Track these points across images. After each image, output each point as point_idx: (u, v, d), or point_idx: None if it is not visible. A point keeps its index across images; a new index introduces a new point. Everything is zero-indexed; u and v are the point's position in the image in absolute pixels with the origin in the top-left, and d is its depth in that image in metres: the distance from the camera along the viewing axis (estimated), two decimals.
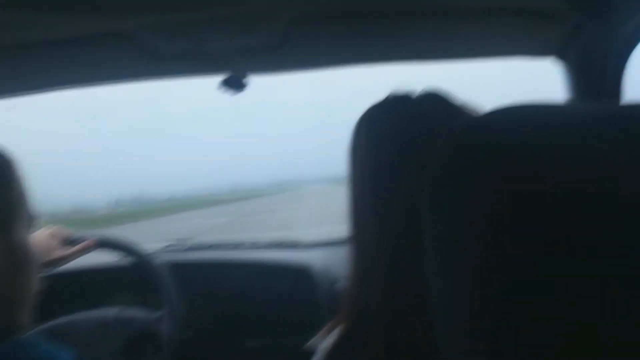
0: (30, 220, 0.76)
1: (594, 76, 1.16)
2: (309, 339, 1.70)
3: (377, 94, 0.80)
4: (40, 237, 1.28)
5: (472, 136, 0.37)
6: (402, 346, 0.65)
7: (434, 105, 0.76)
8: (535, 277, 0.32)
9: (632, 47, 1.10)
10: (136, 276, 1.51)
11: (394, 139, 0.73)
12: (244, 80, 1.16)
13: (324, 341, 0.77)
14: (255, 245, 2.09)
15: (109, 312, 1.43)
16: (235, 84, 1.15)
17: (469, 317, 0.36)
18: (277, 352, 1.73)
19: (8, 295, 0.71)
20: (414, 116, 0.75)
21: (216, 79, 1.15)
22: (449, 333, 0.39)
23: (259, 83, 1.19)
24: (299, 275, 1.74)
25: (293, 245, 2.10)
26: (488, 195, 0.34)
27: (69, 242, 1.34)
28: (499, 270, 0.33)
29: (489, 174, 0.35)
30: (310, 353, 0.78)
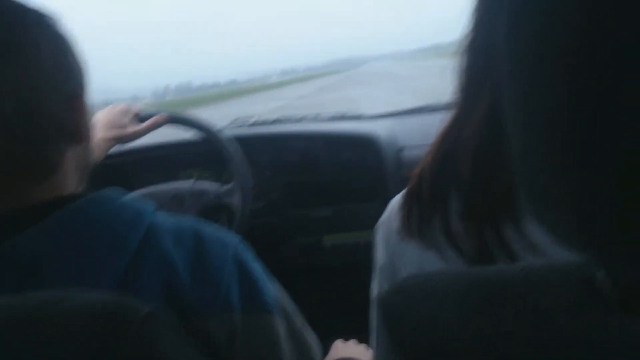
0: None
1: None
2: (377, 208, 1.74)
3: None
4: (111, 113, 1.32)
5: None
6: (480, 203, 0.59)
7: None
8: None
9: None
10: (206, 151, 1.54)
11: None
12: None
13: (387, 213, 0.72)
14: (318, 118, 2.09)
15: (183, 184, 1.49)
16: None
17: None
18: (346, 220, 1.77)
19: (88, 160, 0.74)
20: None
21: None
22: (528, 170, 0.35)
23: None
24: (364, 145, 1.73)
25: (356, 117, 2.08)
26: None
27: (139, 118, 1.37)
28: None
29: None
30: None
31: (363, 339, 1.05)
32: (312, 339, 0.81)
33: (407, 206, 0.66)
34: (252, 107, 24.16)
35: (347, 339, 1.17)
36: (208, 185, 1.51)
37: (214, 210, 1.49)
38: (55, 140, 0.66)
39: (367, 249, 1.78)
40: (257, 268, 0.74)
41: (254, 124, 2.09)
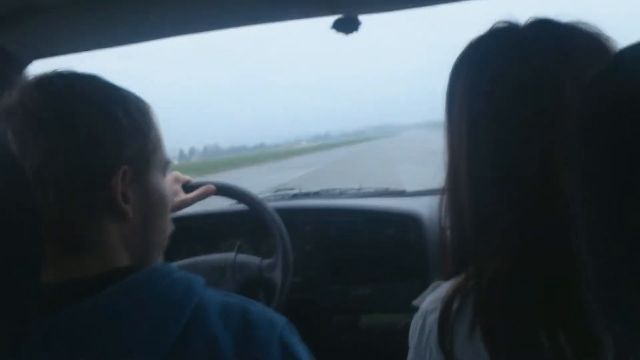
0: (165, 165, 0.78)
1: None
2: (418, 287, 1.68)
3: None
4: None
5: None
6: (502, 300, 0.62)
7: (543, 31, 0.66)
8: None
9: None
10: (250, 222, 1.54)
11: (495, 70, 0.65)
12: (358, 21, 1.11)
13: (427, 300, 0.73)
14: (361, 193, 2.08)
15: (225, 257, 1.48)
16: (348, 25, 1.10)
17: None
18: (386, 299, 1.72)
19: (145, 237, 0.74)
20: (519, 43, 0.65)
21: (326, 21, 1.12)
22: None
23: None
24: (407, 223, 1.70)
25: (399, 193, 2.06)
26: None
27: (188, 187, 1.39)
28: None
29: None
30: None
31: None
32: None
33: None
34: (283, 173, 23.59)
35: None
36: (250, 259, 1.50)
37: (255, 284, 1.46)
38: (100, 215, 0.67)
39: (406, 331, 1.72)
40: (302, 351, 0.72)
41: (296, 195, 2.09)
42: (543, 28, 0.66)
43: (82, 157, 0.65)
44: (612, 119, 0.33)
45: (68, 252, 0.66)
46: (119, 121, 0.69)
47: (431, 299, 0.71)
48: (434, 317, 0.67)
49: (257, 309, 0.73)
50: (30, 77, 0.69)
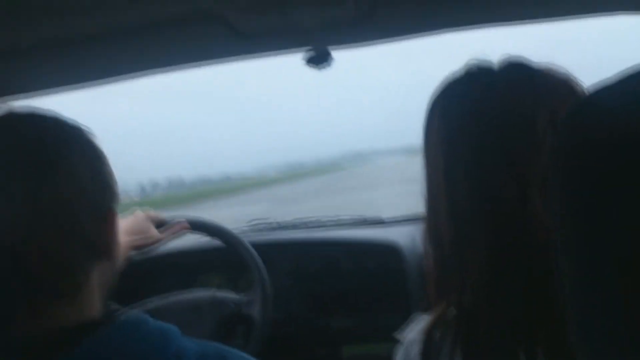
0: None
1: None
2: (399, 317, 1.67)
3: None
4: (135, 220, 1.32)
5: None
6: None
7: (516, 73, 0.69)
8: None
9: None
10: (226, 257, 1.52)
11: (471, 109, 0.67)
12: (330, 55, 1.12)
13: (409, 331, 0.74)
14: (339, 223, 2.07)
15: (202, 293, 1.45)
16: (321, 59, 1.11)
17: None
18: (368, 330, 1.70)
19: (111, 279, 0.74)
20: (494, 84, 0.68)
21: (299, 56, 1.12)
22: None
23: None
24: (387, 253, 1.70)
25: (378, 221, 2.06)
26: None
27: (162, 224, 1.37)
28: None
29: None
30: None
31: None
32: None
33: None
34: (254, 206, 21.79)
35: None
36: (227, 295, 1.47)
37: (233, 321, 1.43)
38: (85, 258, 0.65)
39: None
40: None
41: (273, 227, 2.07)
42: (516, 70, 0.69)
43: (72, 198, 0.64)
44: (583, 154, 0.35)
45: (50, 298, 0.63)
46: (105, 164, 0.69)
47: (414, 330, 0.72)
48: (417, 349, 0.68)
49: (235, 356, 0.71)
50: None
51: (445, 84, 0.72)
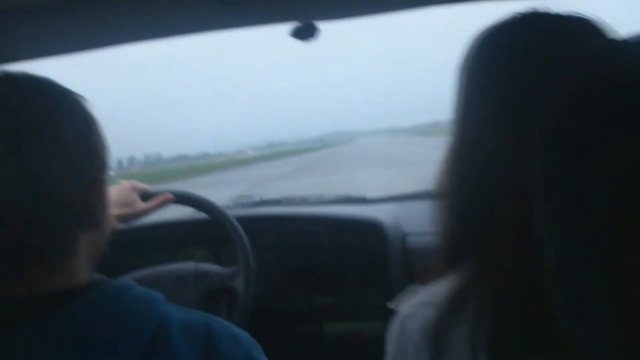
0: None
1: None
2: (381, 295, 1.69)
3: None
4: (120, 190, 1.31)
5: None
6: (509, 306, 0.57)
7: (585, 26, 0.63)
8: None
9: None
10: (210, 230, 1.52)
11: (532, 58, 0.60)
12: (316, 28, 1.11)
13: (405, 305, 0.69)
14: (322, 200, 2.08)
15: (186, 266, 1.46)
16: (306, 32, 1.10)
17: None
18: (349, 307, 1.72)
19: (99, 249, 0.72)
20: (562, 34, 0.61)
21: (284, 29, 1.11)
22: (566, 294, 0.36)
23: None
24: (369, 230, 1.71)
25: (361, 200, 2.07)
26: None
27: (146, 196, 1.36)
28: None
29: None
30: (391, 311, 0.73)
31: None
32: None
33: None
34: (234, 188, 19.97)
35: None
36: (211, 267, 1.48)
37: (216, 293, 1.44)
38: (71, 226, 0.65)
39: (371, 340, 1.72)
40: None
41: (257, 203, 2.07)
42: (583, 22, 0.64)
43: (59, 166, 0.63)
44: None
45: (36, 265, 0.63)
46: (92, 133, 0.68)
47: (411, 303, 0.68)
48: (415, 323, 0.65)
49: (220, 325, 0.71)
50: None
51: (495, 27, 0.66)
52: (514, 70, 0.62)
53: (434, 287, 0.67)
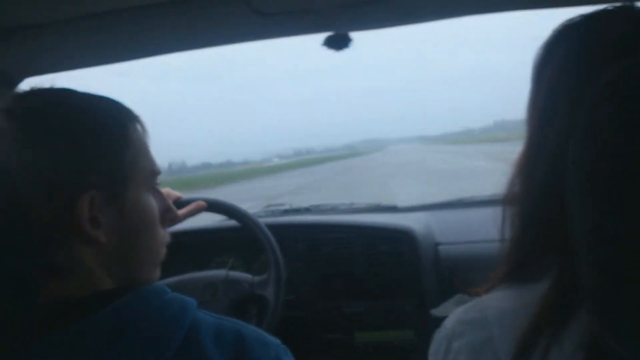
0: (152, 176, 0.76)
1: None
2: (411, 304, 1.68)
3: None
4: None
5: None
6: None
7: None
8: None
9: None
10: (241, 238, 1.53)
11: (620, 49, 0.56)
12: (349, 39, 1.12)
13: (453, 321, 0.64)
14: (352, 209, 2.07)
15: (217, 273, 1.47)
16: (340, 41, 1.11)
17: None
18: (380, 316, 1.71)
19: (131, 257, 0.71)
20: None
21: (317, 38, 1.12)
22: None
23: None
24: (401, 238, 1.70)
25: (392, 208, 2.06)
26: None
27: (179, 203, 1.38)
28: None
29: None
30: (435, 319, 0.71)
31: None
32: None
33: None
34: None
35: None
36: (242, 275, 1.49)
37: (247, 301, 1.45)
38: (65, 241, 0.64)
39: (401, 349, 1.70)
40: None
41: (287, 211, 2.08)
42: None
43: (46, 179, 0.63)
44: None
45: (50, 274, 0.64)
46: (85, 146, 0.66)
47: (457, 319, 0.63)
48: (462, 343, 0.61)
49: (251, 331, 0.71)
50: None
51: (584, 17, 0.62)
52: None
53: (484, 301, 0.63)
